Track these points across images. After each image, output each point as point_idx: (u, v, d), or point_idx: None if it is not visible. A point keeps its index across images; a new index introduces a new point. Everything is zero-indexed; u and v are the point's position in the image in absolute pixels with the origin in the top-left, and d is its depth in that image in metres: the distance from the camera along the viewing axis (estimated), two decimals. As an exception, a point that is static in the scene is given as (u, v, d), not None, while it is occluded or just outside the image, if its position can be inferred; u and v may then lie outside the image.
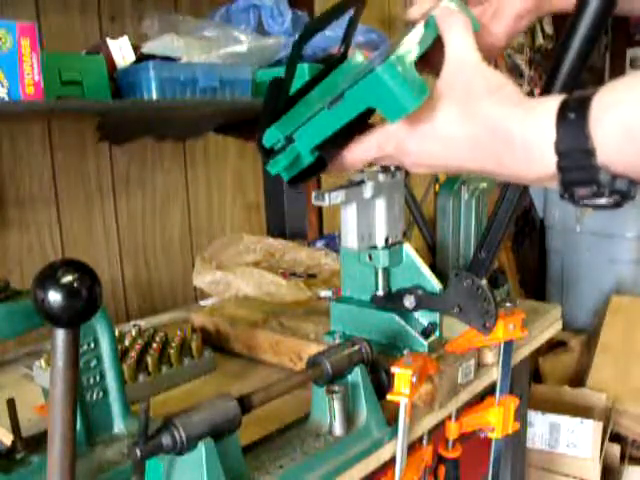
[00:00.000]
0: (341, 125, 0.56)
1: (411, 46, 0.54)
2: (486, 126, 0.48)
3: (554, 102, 0.44)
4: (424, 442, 0.91)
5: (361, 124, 0.60)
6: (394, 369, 0.71)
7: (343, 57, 0.70)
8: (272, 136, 0.62)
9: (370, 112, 0.57)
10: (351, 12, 0.67)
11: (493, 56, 0.66)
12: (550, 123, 0.44)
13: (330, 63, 0.70)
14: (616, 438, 1.83)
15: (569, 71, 0.54)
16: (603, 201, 0.44)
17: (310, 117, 0.59)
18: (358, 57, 0.69)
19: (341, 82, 0.60)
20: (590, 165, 0.42)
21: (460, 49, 0.51)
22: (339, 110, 0.56)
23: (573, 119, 0.42)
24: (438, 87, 0.51)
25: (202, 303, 1.31)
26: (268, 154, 0.62)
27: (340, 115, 0.56)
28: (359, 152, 0.58)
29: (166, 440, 0.54)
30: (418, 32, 0.57)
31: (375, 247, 0.87)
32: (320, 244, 1.62)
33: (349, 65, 0.69)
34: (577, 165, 0.43)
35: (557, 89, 0.54)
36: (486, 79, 0.49)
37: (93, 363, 0.66)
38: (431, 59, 0.58)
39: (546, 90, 0.54)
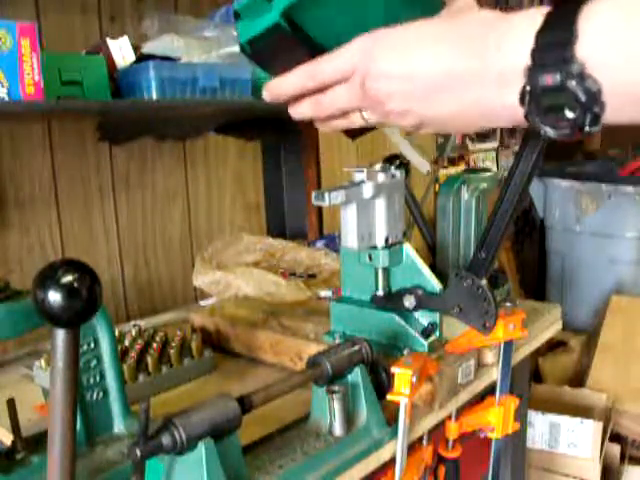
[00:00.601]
0: None
1: None
2: (469, 19, 0.47)
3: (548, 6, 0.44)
4: (424, 442, 0.91)
5: None
6: (394, 369, 0.71)
7: None
8: None
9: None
10: None
11: None
12: (540, 15, 0.43)
13: None
14: (616, 438, 1.83)
15: None
16: (565, 111, 0.41)
17: None
18: None
19: None
20: (566, 53, 0.40)
21: None
22: None
23: (562, 13, 0.42)
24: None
25: (202, 303, 1.31)
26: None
27: None
28: (325, 57, 0.54)
29: (166, 440, 0.54)
30: None
31: (375, 247, 0.87)
32: (320, 244, 1.62)
33: None
34: (552, 50, 0.41)
35: None
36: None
37: (93, 363, 0.66)
38: None
39: None
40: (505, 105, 0.45)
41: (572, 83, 0.40)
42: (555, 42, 0.41)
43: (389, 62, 0.50)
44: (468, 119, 0.50)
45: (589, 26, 0.40)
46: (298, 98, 0.60)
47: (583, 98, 0.41)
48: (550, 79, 0.41)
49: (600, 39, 0.40)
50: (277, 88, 0.59)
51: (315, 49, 0.56)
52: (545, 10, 0.43)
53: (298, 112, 0.61)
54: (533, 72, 0.42)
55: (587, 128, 0.42)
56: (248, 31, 0.57)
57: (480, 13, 0.48)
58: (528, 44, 0.42)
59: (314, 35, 0.56)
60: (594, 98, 0.41)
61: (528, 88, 0.43)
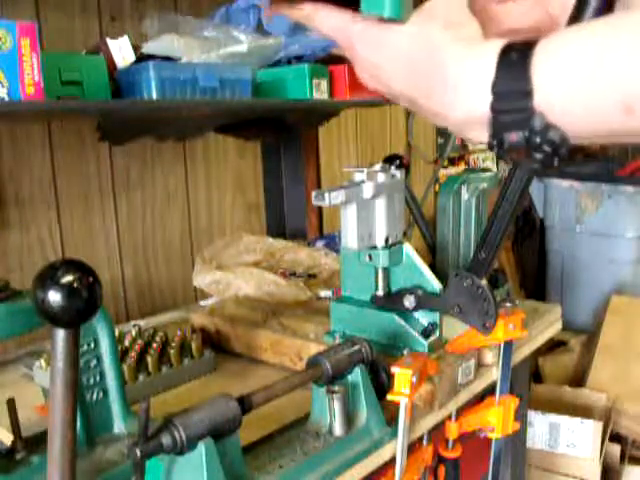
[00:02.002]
0: None
1: None
2: (428, 50, 0.47)
3: (499, 42, 0.43)
4: (424, 442, 0.91)
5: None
6: (394, 369, 0.71)
7: None
8: None
9: None
10: None
11: None
12: (491, 62, 0.42)
13: None
14: (616, 438, 1.83)
15: None
16: (534, 155, 0.42)
17: None
18: None
19: None
20: (526, 107, 0.41)
21: None
22: None
23: (514, 60, 0.41)
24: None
25: (202, 303, 1.31)
26: None
27: None
28: (330, 13, 0.54)
29: (166, 440, 0.54)
30: None
31: (375, 247, 0.87)
32: (320, 244, 1.62)
33: None
34: (512, 107, 0.42)
35: (588, 14, 0.48)
36: (450, 13, 0.48)
37: (93, 363, 0.66)
38: None
39: (577, 16, 0.49)
40: (474, 139, 0.47)
41: (536, 139, 0.42)
42: (512, 96, 0.42)
43: (369, 67, 0.52)
44: None
45: (543, 74, 0.40)
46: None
47: (548, 149, 0.42)
48: (515, 137, 0.42)
49: (556, 90, 0.40)
50: (320, 24, 0.58)
51: None
52: (497, 49, 0.43)
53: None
54: (497, 130, 0.43)
55: (556, 163, 0.43)
56: None
57: (434, 36, 0.47)
58: (486, 95, 0.43)
59: None
60: (559, 145, 0.42)
61: (495, 142, 0.44)
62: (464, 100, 0.44)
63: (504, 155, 0.45)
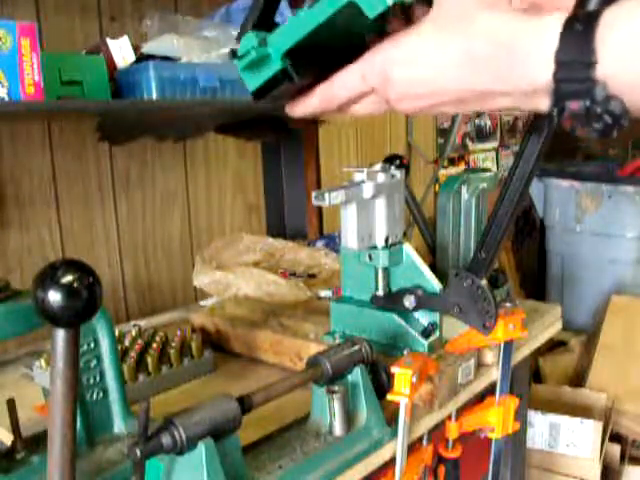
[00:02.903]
0: (318, 23, 0.50)
1: None
2: (486, 37, 0.46)
3: (562, 14, 0.43)
4: (424, 442, 0.91)
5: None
6: (394, 369, 0.71)
7: None
8: (248, 41, 0.55)
9: (358, 38, 0.52)
10: None
11: None
12: (555, 33, 0.42)
13: None
14: (616, 438, 1.83)
15: None
16: (593, 124, 0.42)
17: (289, 20, 0.53)
18: None
19: None
20: (588, 77, 0.41)
21: None
22: (317, 7, 0.50)
23: (579, 30, 0.41)
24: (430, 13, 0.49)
25: (202, 303, 1.31)
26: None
27: (317, 13, 0.50)
28: (339, 81, 0.54)
29: (166, 440, 0.54)
30: None
31: (375, 247, 0.87)
32: (320, 244, 1.62)
33: None
34: (574, 76, 0.42)
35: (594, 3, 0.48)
36: None
37: (93, 363, 0.66)
38: None
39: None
40: (539, 109, 0.46)
41: (597, 109, 0.42)
42: (575, 65, 0.42)
43: (407, 85, 0.50)
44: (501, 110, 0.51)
45: (608, 44, 0.40)
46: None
47: (609, 120, 0.42)
48: (576, 105, 0.42)
49: (620, 59, 0.40)
50: (302, 111, 0.59)
51: (326, 62, 0.55)
52: (559, 22, 0.43)
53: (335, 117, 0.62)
54: (558, 97, 0.43)
55: (615, 133, 0.43)
56: (255, 81, 0.57)
57: (486, 23, 0.46)
58: (549, 65, 0.43)
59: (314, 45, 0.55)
60: (620, 116, 0.42)
61: (555, 111, 0.44)
62: (529, 71, 0.44)
63: (565, 126, 0.44)
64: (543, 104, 0.45)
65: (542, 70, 0.43)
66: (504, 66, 0.45)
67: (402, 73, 0.49)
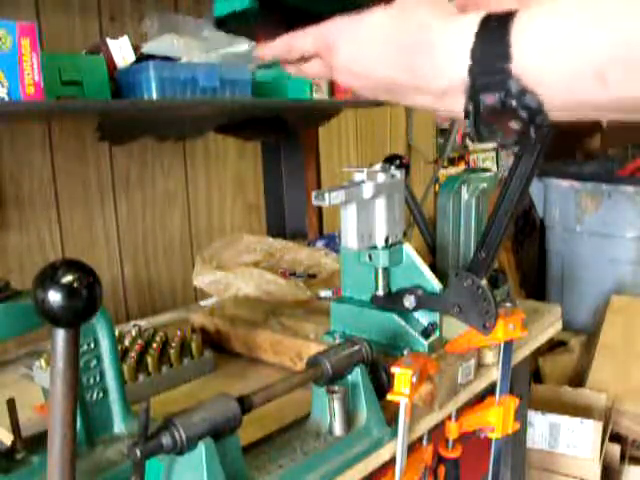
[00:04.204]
0: None
1: None
2: (414, 31, 0.47)
3: (481, 13, 0.44)
4: (424, 442, 0.91)
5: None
6: (394, 369, 0.71)
7: None
8: None
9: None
10: None
11: None
12: (471, 30, 0.43)
13: None
14: (616, 438, 1.83)
15: None
16: (510, 123, 0.43)
17: None
18: None
19: None
20: (502, 69, 0.42)
21: None
22: None
23: (494, 26, 0.42)
24: None
25: (202, 303, 1.31)
26: None
27: None
28: (297, 36, 0.56)
29: (166, 440, 0.54)
30: None
31: (375, 247, 0.87)
32: (320, 244, 1.62)
33: None
34: (489, 69, 0.42)
35: None
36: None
37: (93, 363, 0.66)
38: None
39: None
40: (453, 112, 0.47)
41: (512, 102, 0.42)
42: (490, 59, 0.42)
43: (347, 61, 0.53)
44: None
45: (522, 40, 0.41)
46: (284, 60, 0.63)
47: (524, 115, 0.42)
48: (490, 99, 0.43)
49: (534, 54, 0.41)
50: (262, 55, 0.63)
51: (294, 15, 0.57)
52: (477, 20, 0.43)
53: (286, 69, 0.64)
54: (473, 92, 0.44)
55: (532, 134, 0.43)
56: (223, 8, 0.57)
57: (420, 18, 0.48)
58: (465, 61, 0.43)
59: (289, 2, 0.56)
60: (535, 112, 0.42)
61: (470, 107, 0.45)
62: (446, 67, 0.45)
63: (480, 124, 0.45)
64: (458, 103, 0.46)
65: (458, 66, 0.44)
66: (422, 61, 0.47)
67: (344, 47, 0.52)
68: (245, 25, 0.58)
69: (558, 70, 0.40)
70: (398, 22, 0.49)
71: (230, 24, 0.58)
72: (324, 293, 1.13)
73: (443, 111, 0.50)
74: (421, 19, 0.47)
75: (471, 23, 0.44)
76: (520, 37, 0.41)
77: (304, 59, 0.59)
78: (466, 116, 0.45)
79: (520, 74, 0.41)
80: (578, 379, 2.08)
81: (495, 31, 0.42)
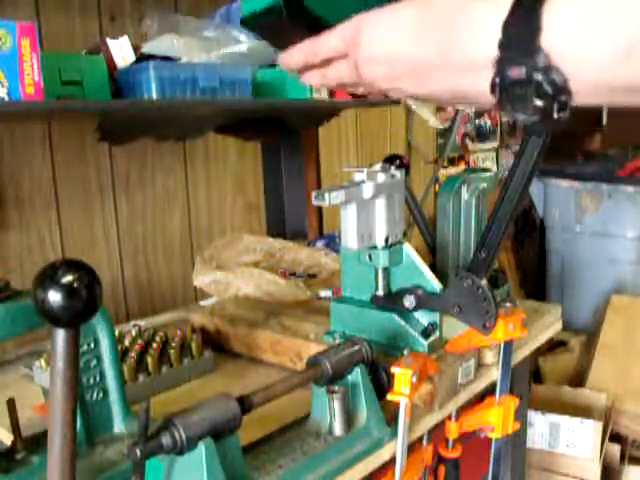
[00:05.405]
0: None
1: None
2: (439, 9, 0.48)
3: None
4: (424, 442, 0.91)
5: None
6: (394, 369, 0.71)
7: None
8: None
9: None
10: None
11: None
12: (506, 6, 0.44)
13: None
14: (616, 438, 1.83)
15: None
16: (534, 100, 0.43)
17: None
18: None
19: None
20: (532, 43, 0.42)
21: None
22: None
23: (529, 4, 0.42)
24: None
25: (202, 303, 1.31)
26: None
27: None
28: (324, 37, 0.57)
29: (166, 440, 0.54)
30: None
31: (375, 247, 0.87)
32: (320, 244, 1.62)
33: None
34: (518, 42, 0.43)
35: None
36: None
37: (93, 363, 0.66)
38: None
39: None
40: (479, 91, 0.47)
41: (538, 76, 0.42)
42: (520, 33, 0.43)
43: (373, 47, 0.53)
44: (452, 98, 0.53)
45: (554, 16, 0.41)
46: (308, 67, 0.63)
47: (549, 90, 0.42)
48: (517, 72, 0.43)
49: (564, 30, 0.41)
50: (287, 62, 0.63)
51: (317, 24, 0.58)
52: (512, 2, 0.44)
53: (308, 81, 0.64)
54: (501, 65, 0.44)
55: (555, 115, 0.43)
56: (250, 6, 0.59)
57: None
58: (496, 35, 0.44)
59: (314, 11, 0.57)
60: (560, 89, 0.42)
61: (497, 80, 0.45)
62: (475, 43, 0.45)
63: (505, 99, 0.45)
64: (484, 79, 0.46)
65: (488, 41, 0.44)
66: (449, 38, 0.47)
67: (369, 33, 0.53)
68: (270, 24, 0.59)
69: (587, 46, 0.40)
70: (428, 5, 0.49)
71: (257, 22, 0.60)
72: (324, 293, 1.13)
73: (461, 97, 0.51)
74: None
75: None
76: (551, 10, 0.41)
77: (328, 62, 0.59)
78: (492, 90, 0.45)
79: (549, 48, 0.41)
80: (578, 379, 2.08)
81: (528, 5, 0.42)
